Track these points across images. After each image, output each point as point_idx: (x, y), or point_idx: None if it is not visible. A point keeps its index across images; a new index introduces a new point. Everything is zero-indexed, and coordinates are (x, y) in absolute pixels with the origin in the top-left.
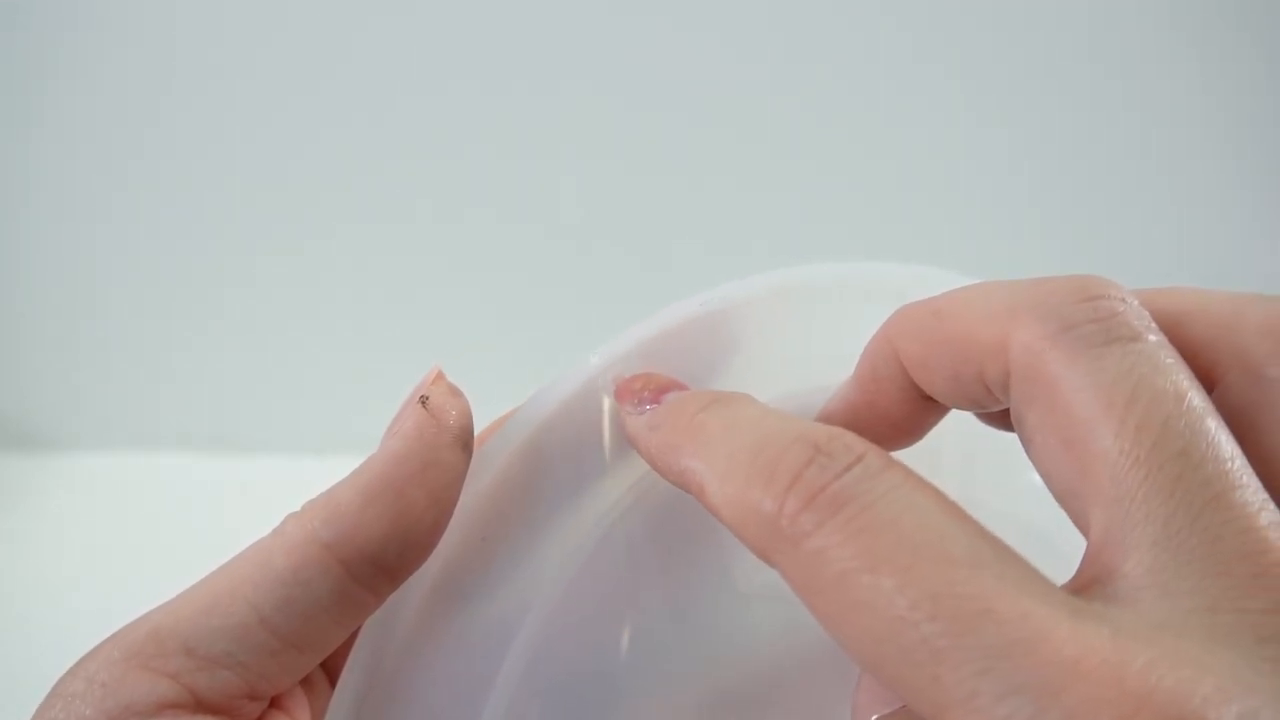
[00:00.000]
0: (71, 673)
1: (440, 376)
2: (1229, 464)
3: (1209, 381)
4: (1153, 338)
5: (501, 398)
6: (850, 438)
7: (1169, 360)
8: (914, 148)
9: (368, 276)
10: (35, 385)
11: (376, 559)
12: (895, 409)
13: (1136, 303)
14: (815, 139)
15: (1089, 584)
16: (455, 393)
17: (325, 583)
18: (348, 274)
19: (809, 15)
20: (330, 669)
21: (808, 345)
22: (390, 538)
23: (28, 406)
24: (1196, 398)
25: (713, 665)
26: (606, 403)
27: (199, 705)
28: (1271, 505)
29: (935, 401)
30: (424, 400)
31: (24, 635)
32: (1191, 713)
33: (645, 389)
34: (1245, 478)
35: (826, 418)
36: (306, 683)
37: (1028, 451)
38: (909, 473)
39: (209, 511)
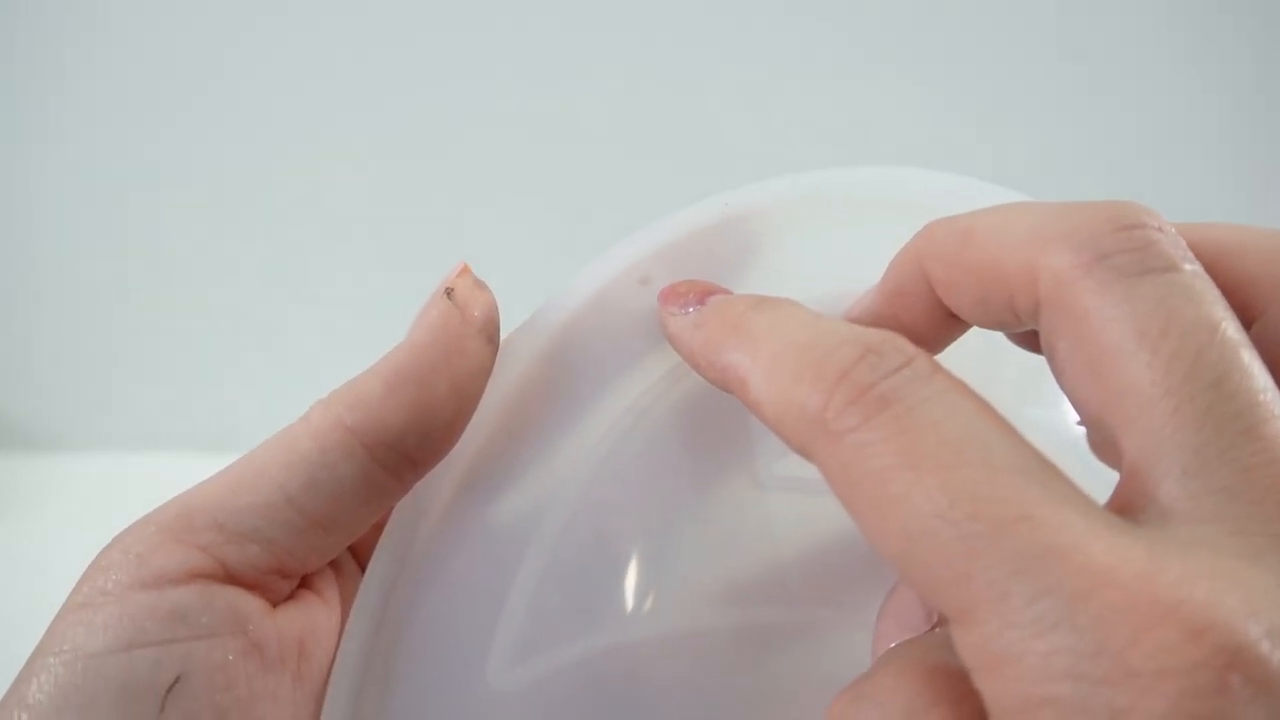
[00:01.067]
0: (110, 546)
1: (466, 270)
2: (1261, 396)
3: (1248, 317)
4: (1188, 267)
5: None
6: (901, 341)
7: (1205, 291)
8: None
9: (368, 276)
10: (35, 385)
11: (399, 445)
12: (920, 323)
13: (1173, 231)
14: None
15: (1125, 505)
16: (480, 286)
17: (350, 466)
18: (348, 274)
19: None
20: (360, 555)
21: (831, 250)
22: (412, 425)
23: (28, 406)
24: (1231, 329)
25: (733, 559)
26: (631, 301)
27: (229, 577)
28: None
29: (961, 319)
30: (449, 292)
31: (24, 635)
32: (1219, 622)
33: (690, 292)
34: (1278, 410)
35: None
36: (336, 567)
37: (1059, 380)
38: (957, 380)
39: None
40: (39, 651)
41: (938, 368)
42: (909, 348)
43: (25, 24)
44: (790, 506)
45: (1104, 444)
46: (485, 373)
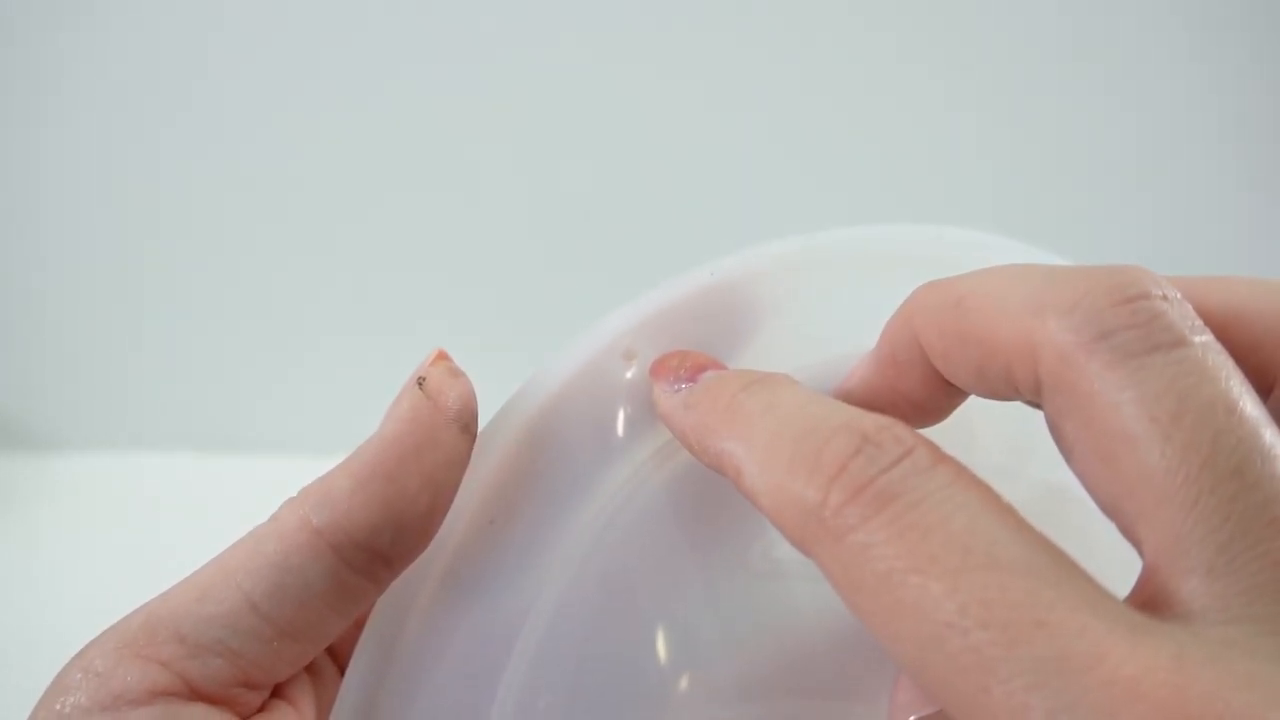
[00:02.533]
0: (70, 664)
1: (441, 357)
2: None
3: (1265, 381)
4: (1199, 339)
5: (512, 386)
6: (900, 429)
7: (1218, 366)
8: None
9: (368, 276)
10: (35, 385)
11: (369, 545)
12: (917, 392)
13: (1179, 299)
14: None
15: (1148, 602)
16: (455, 373)
17: (318, 569)
18: (348, 274)
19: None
20: (339, 658)
21: (824, 314)
22: (384, 523)
23: (28, 406)
24: (1250, 407)
25: (743, 650)
26: (617, 376)
27: (193, 693)
28: None
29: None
30: (421, 381)
31: (24, 635)
32: None
33: (681, 366)
34: None
35: (845, 396)
36: (313, 672)
37: (1068, 462)
38: (961, 470)
39: (209, 511)
40: None
41: (939, 457)
42: (908, 436)
43: (27, 22)
44: (801, 590)
45: (1124, 529)
46: (461, 464)
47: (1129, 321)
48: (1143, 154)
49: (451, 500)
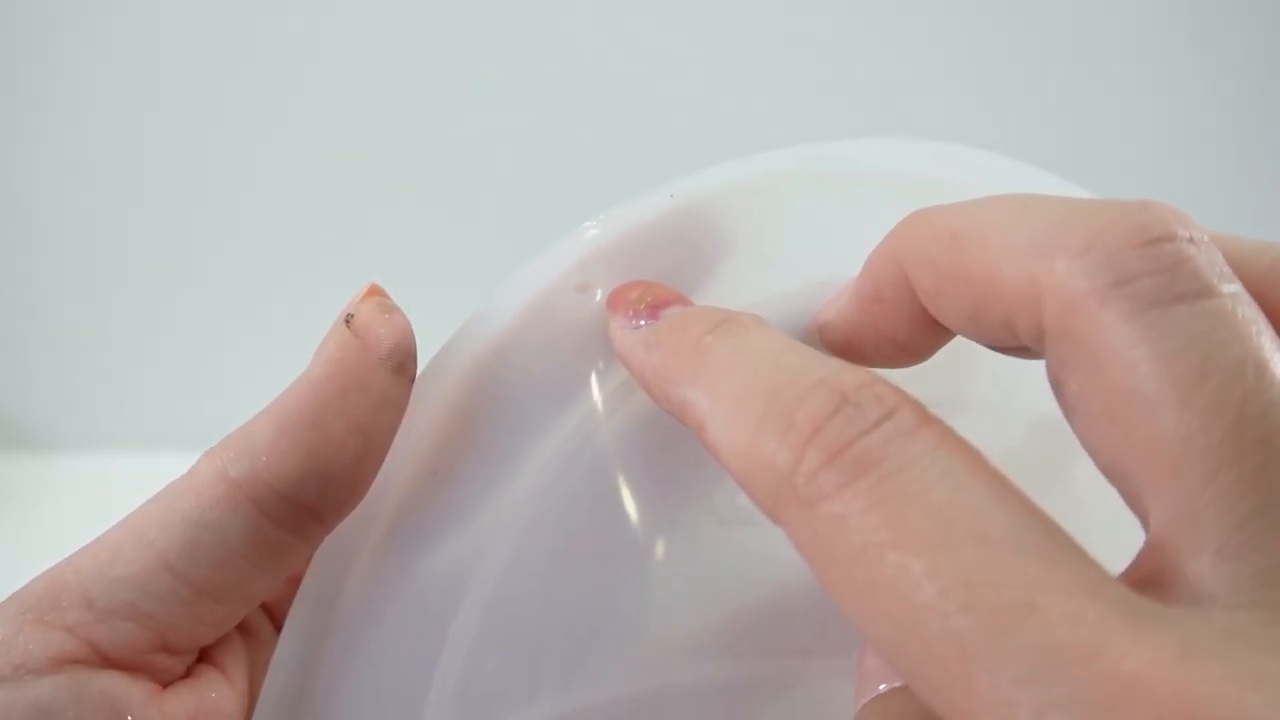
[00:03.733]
0: None
1: (373, 292)
2: None
3: None
4: (1228, 289)
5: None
6: (882, 386)
7: (1249, 320)
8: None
9: (370, 276)
10: (35, 385)
11: (294, 497)
12: (901, 331)
13: (1208, 243)
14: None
15: (1150, 579)
16: (388, 309)
17: (237, 524)
18: (348, 274)
19: None
20: (276, 617)
21: (802, 236)
22: (308, 473)
23: (28, 406)
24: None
25: (701, 607)
26: (570, 311)
27: (103, 660)
28: None
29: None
30: (349, 319)
31: None
32: None
33: (642, 300)
34: None
35: (822, 330)
36: (247, 632)
37: (1069, 419)
38: (947, 433)
39: None
40: None
41: (924, 419)
42: (890, 395)
43: (21, 23)
44: (761, 543)
45: (1129, 496)
46: (394, 408)
47: (1150, 267)
48: (1156, 143)
49: (386, 448)
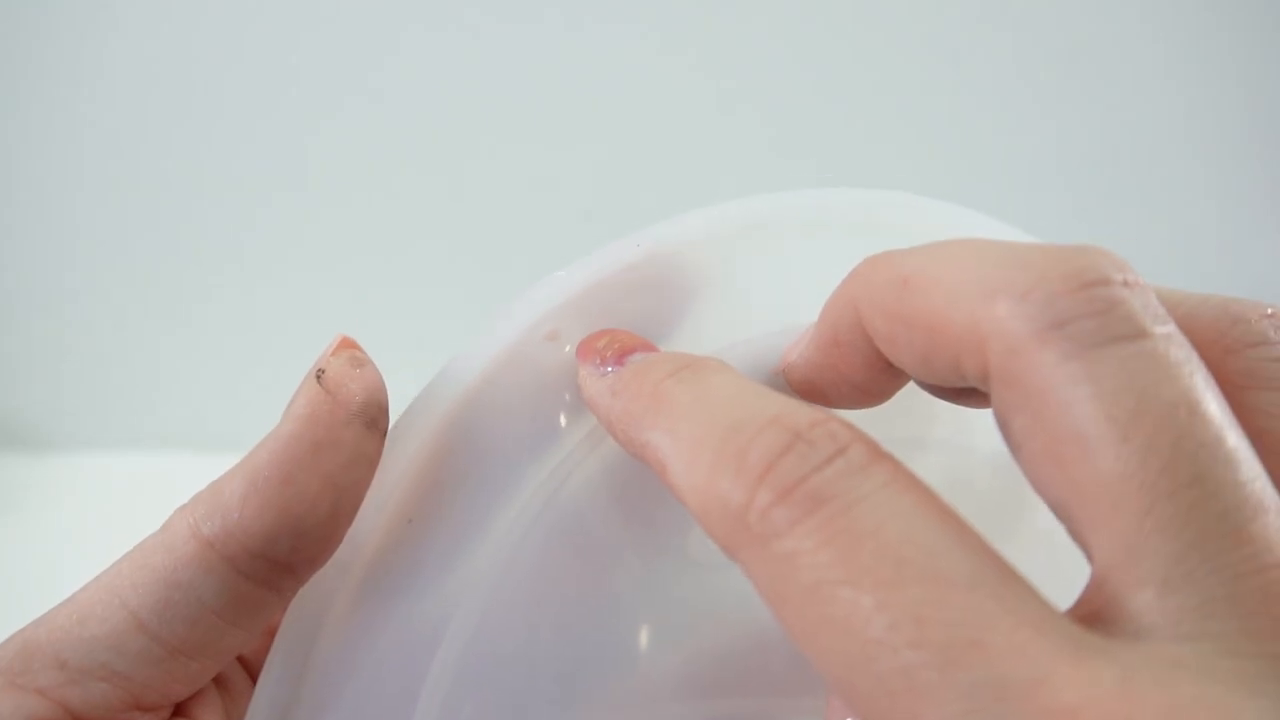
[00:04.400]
0: None
1: (345, 345)
2: (1249, 488)
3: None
4: (1160, 330)
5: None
6: (835, 424)
7: (1181, 361)
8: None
9: (367, 276)
10: (35, 385)
11: (266, 554)
12: (859, 374)
13: (1142, 285)
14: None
15: (1095, 614)
16: (360, 363)
17: (210, 582)
18: (347, 274)
19: None
20: (252, 668)
21: (761, 286)
22: (281, 530)
23: (28, 406)
24: (1214, 407)
25: (677, 646)
26: (540, 360)
27: None
28: None
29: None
30: (319, 375)
31: None
32: None
33: (609, 348)
34: (1269, 502)
35: (786, 372)
36: (222, 684)
37: (1015, 457)
38: (899, 470)
39: None
40: None
41: (876, 456)
42: (843, 433)
43: (23, 24)
44: (736, 583)
45: (1073, 533)
46: (367, 463)
47: (1087, 310)
48: (1134, 148)
49: (359, 502)
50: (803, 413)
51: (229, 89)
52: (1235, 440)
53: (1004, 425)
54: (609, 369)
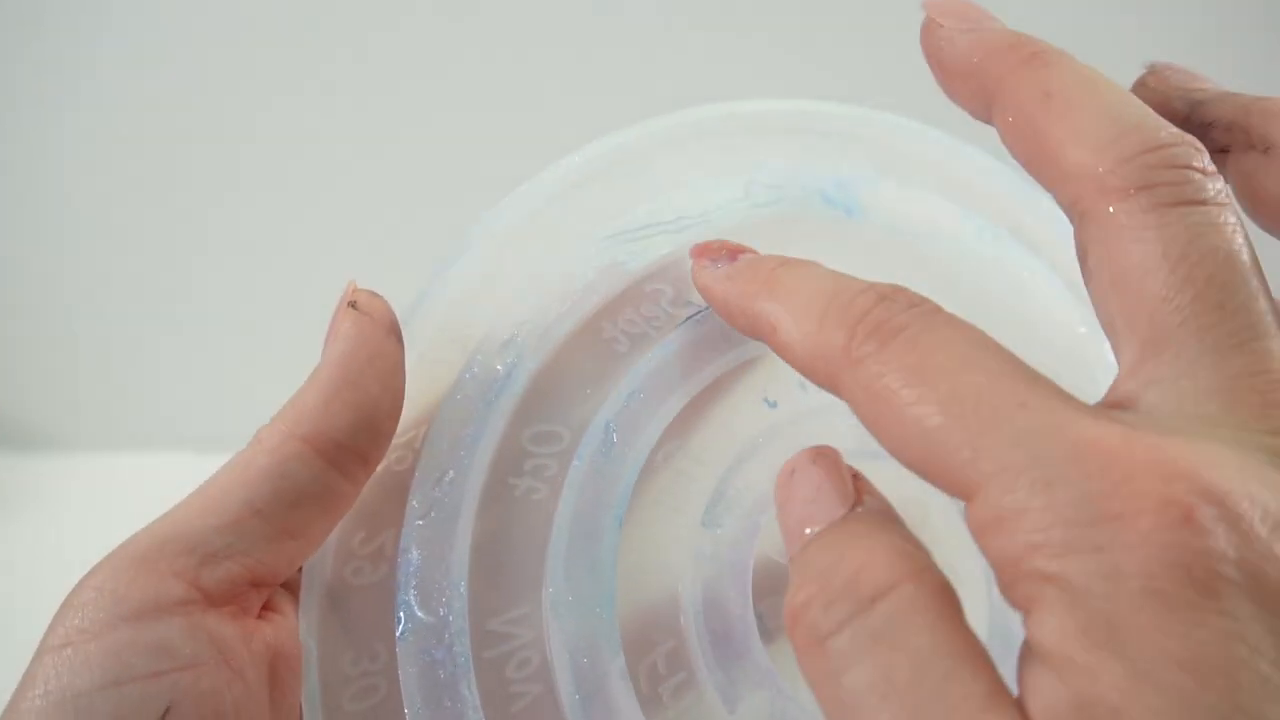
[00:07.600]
0: (79, 585)
1: (355, 289)
2: (1259, 317)
3: None
4: (1222, 200)
5: None
6: (912, 291)
7: (1229, 224)
8: None
9: (368, 277)
10: (35, 385)
11: (349, 444)
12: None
13: (1214, 171)
14: None
15: (1114, 404)
16: (375, 294)
17: (307, 473)
18: (350, 276)
19: None
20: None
21: None
22: (358, 425)
23: (28, 406)
24: (1245, 256)
25: None
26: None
27: (208, 600)
28: None
29: None
30: (354, 304)
31: (24, 635)
32: (1189, 471)
33: (722, 249)
34: (1274, 329)
35: None
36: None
37: (1085, 283)
38: (961, 319)
39: None
40: (21, 694)
41: (941, 308)
42: (918, 295)
43: (21, 24)
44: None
45: (1113, 345)
46: (402, 367)
47: (1169, 179)
48: None
49: (402, 400)
50: (887, 284)
51: (229, 89)
52: (1256, 284)
53: (1082, 256)
54: (722, 264)
